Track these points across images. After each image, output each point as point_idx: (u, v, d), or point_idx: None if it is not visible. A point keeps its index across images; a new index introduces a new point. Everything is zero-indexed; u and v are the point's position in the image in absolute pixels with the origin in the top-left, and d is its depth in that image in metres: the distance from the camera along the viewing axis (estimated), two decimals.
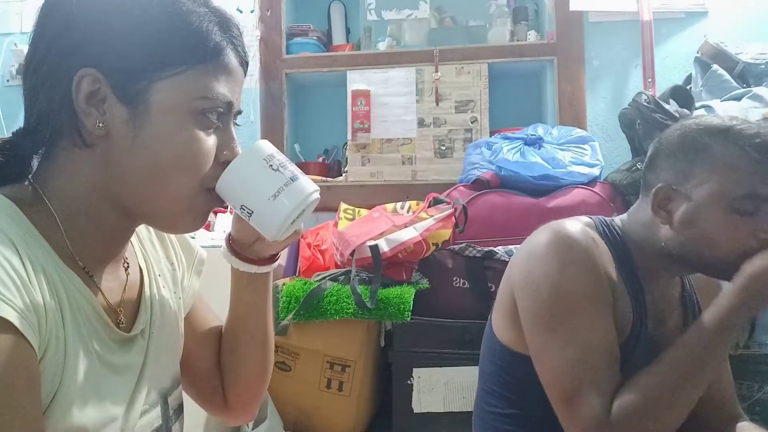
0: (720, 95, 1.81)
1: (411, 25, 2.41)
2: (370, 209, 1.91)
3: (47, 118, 0.60)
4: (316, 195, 0.68)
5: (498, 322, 1.06)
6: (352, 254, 1.67)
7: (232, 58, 0.63)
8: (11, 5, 2.62)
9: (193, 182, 0.61)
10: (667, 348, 0.87)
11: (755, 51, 1.92)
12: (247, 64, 0.66)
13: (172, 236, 0.80)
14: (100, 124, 0.58)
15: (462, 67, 2.27)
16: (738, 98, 1.75)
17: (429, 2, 2.38)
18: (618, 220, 1.04)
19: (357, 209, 1.95)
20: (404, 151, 2.29)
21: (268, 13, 2.43)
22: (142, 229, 0.77)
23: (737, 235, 0.90)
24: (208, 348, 0.83)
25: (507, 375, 1.04)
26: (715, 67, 1.89)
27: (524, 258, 0.99)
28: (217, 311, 0.90)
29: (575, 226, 0.97)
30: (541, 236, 0.97)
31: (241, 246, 0.75)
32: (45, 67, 0.59)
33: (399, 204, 1.89)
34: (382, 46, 2.39)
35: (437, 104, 2.27)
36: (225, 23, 0.62)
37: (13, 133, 0.63)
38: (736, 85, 1.85)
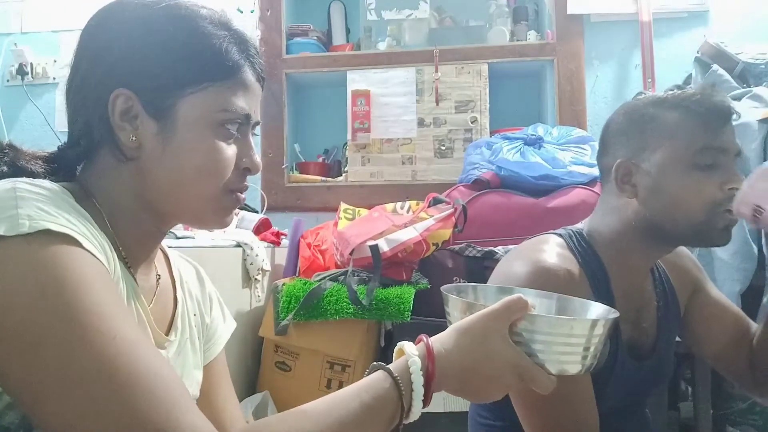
0: None
1: (411, 25, 2.41)
2: (370, 209, 1.91)
3: (88, 133, 0.67)
4: None
5: None
6: (351, 253, 1.67)
7: (249, 75, 0.69)
8: (11, 5, 2.62)
9: (217, 186, 0.68)
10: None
11: (755, 51, 1.92)
12: (264, 79, 0.73)
13: (213, 295, 0.86)
14: (134, 138, 0.65)
15: (462, 67, 2.27)
16: (738, 98, 1.75)
17: (429, 2, 2.38)
18: (584, 225, 1.03)
19: (357, 209, 1.95)
20: (404, 151, 2.29)
21: (268, 13, 2.43)
22: (184, 271, 0.82)
23: (703, 189, 0.92)
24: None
25: None
26: (715, 67, 1.89)
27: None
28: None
29: (552, 255, 0.94)
30: (517, 267, 0.94)
31: None
32: (85, 87, 0.67)
33: (399, 204, 1.89)
34: (382, 46, 2.39)
35: (437, 104, 2.27)
36: (243, 43, 0.69)
37: (59, 147, 0.70)
38: (736, 85, 1.85)
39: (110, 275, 0.57)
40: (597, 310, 0.75)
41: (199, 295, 0.83)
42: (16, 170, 0.65)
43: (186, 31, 0.66)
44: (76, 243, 0.53)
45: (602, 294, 0.96)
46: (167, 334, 0.73)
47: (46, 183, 0.60)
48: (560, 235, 1.01)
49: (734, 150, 0.94)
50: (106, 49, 0.66)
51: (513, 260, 0.98)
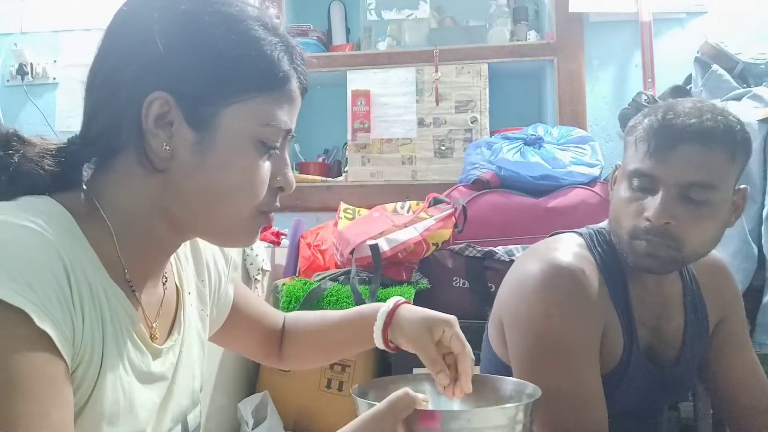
0: (720, 95, 1.81)
1: (411, 25, 2.41)
2: (370, 209, 1.91)
3: (112, 134, 0.60)
4: None
5: (492, 333, 1.06)
6: (351, 253, 1.67)
7: (295, 87, 0.64)
8: (11, 5, 2.62)
9: (250, 207, 0.63)
10: None
11: (755, 51, 1.92)
12: (306, 90, 0.67)
13: (207, 250, 0.81)
14: (167, 147, 0.59)
15: (462, 67, 2.27)
16: (738, 98, 1.75)
17: (429, 2, 2.38)
18: (605, 223, 1.02)
19: (357, 209, 1.95)
20: (404, 151, 2.29)
21: None
22: (182, 257, 0.78)
23: (629, 211, 0.91)
24: (257, 331, 0.90)
25: None
26: (715, 67, 1.89)
27: (513, 291, 0.97)
28: None
29: (567, 254, 0.93)
30: (531, 267, 0.94)
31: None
32: (114, 82, 0.60)
33: (399, 204, 1.89)
34: (382, 46, 2.39)
35: (437, 104, 2.27)
36: (292, 52, 0.64)
37: (69, 139, 0.63)
38: (736, 85, 1.85)
39: (60, 366, 0.51)
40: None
41: (192, 264, 0.79)
42: (24, 163, 0.59)
43: (237, 34, 0.60)
44: (28, 321, 0.48)
45: (618, 296, 0.95)
46: (170, 332, 0.70)
47: (44, 208, 0.56)
48: (581, 234, 1.00)
49: (671, 181, 0.86)
50: (143, 43, 0.58)
51: (528, 258, 0.97)
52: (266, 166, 0.63)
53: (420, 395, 0.62)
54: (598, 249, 0.97)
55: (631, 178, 0.91)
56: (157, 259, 0.67)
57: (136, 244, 0.62)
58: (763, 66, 1.87)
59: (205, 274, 0.80)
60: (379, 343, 0.80)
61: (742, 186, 0.94)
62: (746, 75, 1.89)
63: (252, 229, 0.66)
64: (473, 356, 0.76)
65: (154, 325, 0.67)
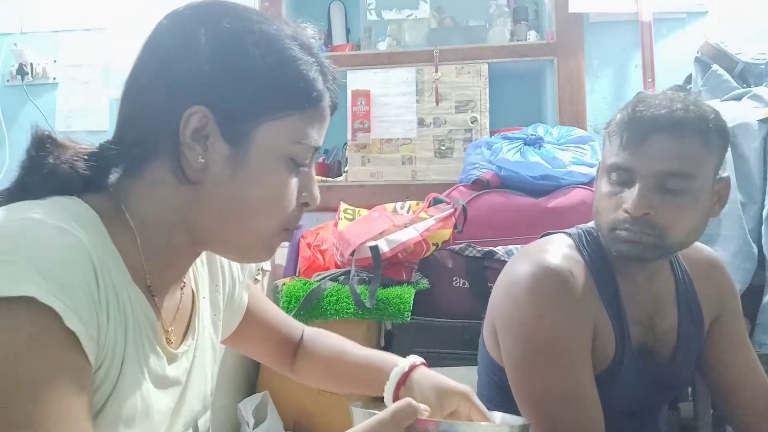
0: (720, 95, 1.81)
1: (411, 25, 2.40)
2: (370, 209, 1.91)
3: (147, 142, 0.61)
4: None
5: (486, 335, 1.06)
6: (352, 254, 1.67)
7: (327, 106, 0.66)
8: (11, 5, 2.62)
9: (276, 223, 0.64)
10: None
11: (755, 51, 1.92)
12: (336, 108, 0.69)
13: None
14: (202, 160, 0.60)
15: (462, 67, 2.26)
16: (738, 98, 1.75)
17: (429, 2, 2.38)
18: (593, 222, 1.02)
19: (357, 209, 1.95)
20: (404, 151, 2.29)
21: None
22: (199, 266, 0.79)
23: (608, 205, 0.91)
24: (271, 338, 0.93)
25: (495, 383, 1.05)
26: (715, 67, 1.89)
27: (504, 294, 0.97)
28: None
29: (555, 256, 0.94)
30: (520, 269, 0.94)
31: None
32: (153, 92, 0.61)
33: (399, 204, 1.89)
34: (382, 46, 2.39)
35: (437, 104, 2.27)
36: (326, 71, 0.66)
37: (101, 145, 0.64)
38: (736, 85, 1.85)
39: (84, 366, 0.52)
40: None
41: (207, 270, 0.79)
42: (59, 165, 0.60)
43: (275, 53, 0.61)
44: (57, 320, 0.49)
45: (608, 295, 0.95)
46: (184, 337, 0.71)
47: (74, 208, 0.57)
48: (570, 235, 1.00)
49: (647, 172, 0.87)
50: (185, 57, 0.60)
51: (518, 261, 0.98)
52: (294, 182, 0.64)
53: (422, 405, 0.64)
54: (587, 248, 0.98)
55: (609, 172, 0.92)
56: (178, 267, 0.68)
57: (157, 251, 0.63)
58: (763, 66, 1.87)
59: (220, 279, 0.80)
60: (388, 402, 0.80)
61: (724, 175, 0.94)
62: (746, 75, 1.89)
63: (272, 246, 0.67)
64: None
65: (170, 329, 0.67)
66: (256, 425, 1.61)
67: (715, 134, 0.88)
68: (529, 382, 0.91)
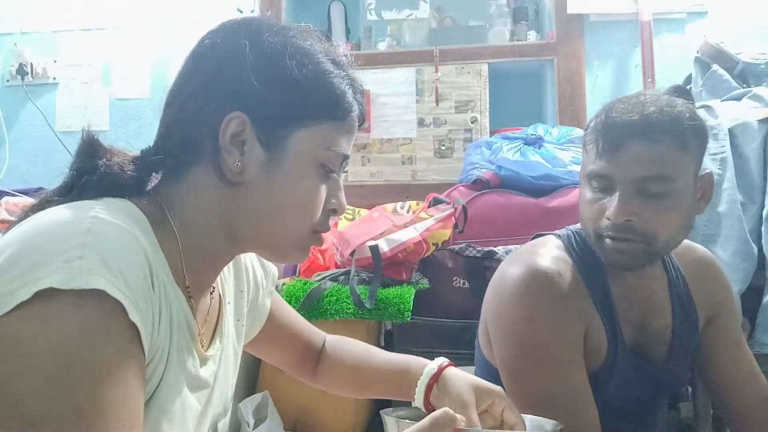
0: (720, 95, 1.81)
1: (411, 25, 2.41)
2: (370, 209, 1.91)
3: (189, 147, 0.65)
4: None
5: (481, 336, 1.07)
6: (352, 254, 1.67)
7: (356, 117, 0.70)
8: (11, 5, 2.62)
9: (306, 226, 0.68)
10: None
11: (755, 51, 1.92)
12: (363, 121, 0.73)
13: (248, 261, 0.85)
14: (239, 163, 0.64)
15: (462, 67, 2.27)
16: (738, 98, 1.75)
17: (429, 2, 2.38)
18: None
19: (357, 209, 1.95)
20: (404, 151, 2.29)
21: (268, 13, 2.43)
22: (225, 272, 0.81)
23: (591, 212, 0.91)
24: (292, 345, 0.94)
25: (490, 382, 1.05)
26: (715, 67, 1.89)
27: (495, 296, 0.98)
28: None
29: (545, 258, 0.94)
30: (511, 271, 0.95)
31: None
32: (198, 101, 0.65)
33: (399, 204, 1.89)
34: (382, 46, 2.39)
35: (437, 104, 2.27)
36: (356, 85, 0.71)
37: (143, 151, 0.68)
38: (736, 85, 1.85)
39: (142, 359, 0.55)
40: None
41: (233, 275, 0.81)
42: (111, 168, 0.63)
43: (310, 65, 0.65)
44: (123, 313, 0.52)
45: (599, 295, 0.95)
46: (212, 340, 0.73)
47: (127, 210, 0.60)
48: (559, 236, 1.01)
49: (625, 178, 0.86)
50: (231, 69, 0.64)
51: (508, 263, 0.98)
52: (324, 188, 0.68)
53: (458, 416, 0.65)
54: (577, 250, 0.98)
55: (590, 180, 0.92)
56: (214, 269, 0.71)
57: (197, 252, 0.66)
58: (763, 66, 1.87)
59: (245, 285, 0.83)
60: (419, 403, 0.81)
61: (706, 171, 0.93)
62: (746, 75, 1.89)
63: (306, 247, 0.71)
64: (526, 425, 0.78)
65: (202, 331, 0.69)
66: (256, 425, 1.60)
67: (690, 134, 0.88)
68: (522, 384, 0.91)
